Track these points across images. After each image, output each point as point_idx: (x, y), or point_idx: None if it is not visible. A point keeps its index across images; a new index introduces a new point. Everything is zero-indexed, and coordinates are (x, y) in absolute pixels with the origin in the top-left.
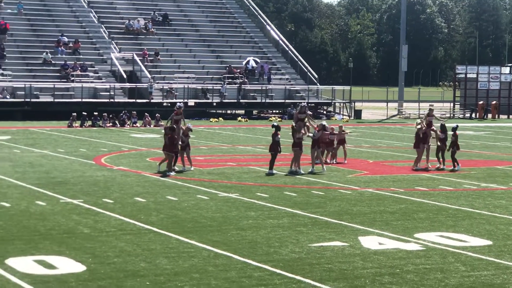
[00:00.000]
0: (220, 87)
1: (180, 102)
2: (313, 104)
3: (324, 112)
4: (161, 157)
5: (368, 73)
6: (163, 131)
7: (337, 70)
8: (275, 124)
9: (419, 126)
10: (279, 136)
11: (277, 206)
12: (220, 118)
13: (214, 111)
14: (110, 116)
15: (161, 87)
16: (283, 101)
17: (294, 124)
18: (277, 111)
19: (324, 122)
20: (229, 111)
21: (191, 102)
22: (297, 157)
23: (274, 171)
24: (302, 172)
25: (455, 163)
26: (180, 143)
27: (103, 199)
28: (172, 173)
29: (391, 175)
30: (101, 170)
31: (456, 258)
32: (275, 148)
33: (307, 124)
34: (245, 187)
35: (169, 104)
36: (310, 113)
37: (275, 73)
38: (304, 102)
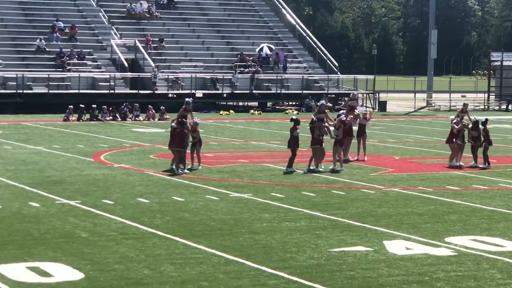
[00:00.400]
0: (231, 77)
1: (189, 98)
2: (333, 95)
3: (344, 103)
4: (167, 154)
5: (393, 61)
6: (173, 124)
7: (359, 57)
8: (294, 117)
9: (455, 122)
10: (298, 130)
11: (294, 208)
12: (231, 111)
13: (225, 103)
14: (110, 108)
15: (166, 76)
16: (300, 92)
17: (314, 117)
18: (294, 103)
19: (342, 116)
20: (240, 103)
21: (199, 93)
22: (318, 156)
23: (294, 169)
24: (322, 168)
25: (487, 161)
26: (190, 139)
27: (102, 200)
28: (185, 171)
29: (419, 173)
30: (101, 168)
31: (491, 264)
32: (294, 143)
33: (327, 124)
34: (258, 186)
35: (174, 96)
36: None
37: (291, 61)
38: (323, 100)
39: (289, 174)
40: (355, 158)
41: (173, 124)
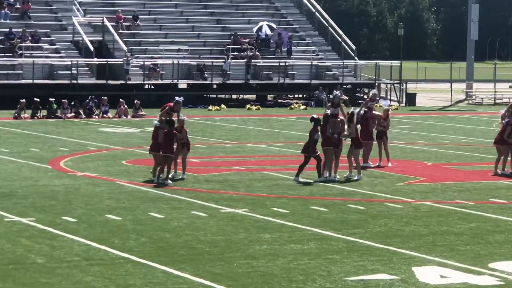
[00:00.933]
0: (223, 63)
1: (180, 97)
2: (349, 86)
3: (365, 97)
4: (143, 159)
5: (424, 43)
6: (156, 122)
7: (382, 39)
8: (315, 116)
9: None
10: (318, 133)
11: (301, 226)
12: (223, 106)
13: (215, 95)
14: (72, 103)
15: (142, 63)
16: (309, 81)
17: (328, 111)
18: (301, 96)
19: (352, 109)
20: (234, 96)
21: (183, 84)
22: (330, 160)
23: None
24: (338, 177)
25: None
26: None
27: (63, 217)
28: (168, 182)
29: (457, 182)
30: (60, 178)
31: None
32: (313, 149)
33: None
34: (257, 200)
35: (152, 87)
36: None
37: (297, 44)
38: (338, 91)
39: (297, 185)
40: (376, 164)
41: (156, 122)
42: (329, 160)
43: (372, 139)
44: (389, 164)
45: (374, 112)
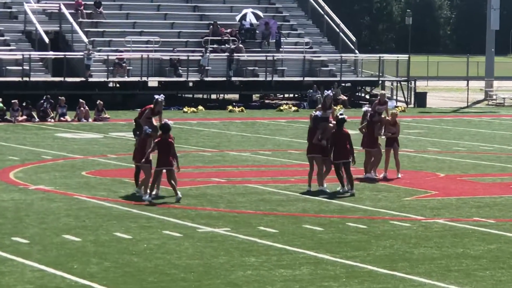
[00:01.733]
0: (200, 58)
1: (160, 95)
2: (349, 84)
3: (367, 97)
4: (106, 170)
5: (437, 34)
6: (147, 128)
7: (387, 29)
8: (342, 115)
9: None
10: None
11: (292, 248)
12: (200, 107)
13: (191, 95)
14: (24, 104)
15: (105, 57)
16: (301, 79)
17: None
18: (292, 95)
19: (341, 113)
20: (214, 96)
21: (153, 82)
22: (319, 168)
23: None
24: (327, 189)
25: None
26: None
27: (12, 238)
28: (149, 197)
29: (474, 196)
30: (10, 192)
31: None
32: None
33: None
34: (240, 217)
35: (117, 85)
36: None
37: (287, 35)
38: (330, 91)
39: (287, 201)
40: (381, 176)
41: (146, 128)
42: (319, 169)
43: (376, 147)
44: (399, 176)
45: (382, 116)
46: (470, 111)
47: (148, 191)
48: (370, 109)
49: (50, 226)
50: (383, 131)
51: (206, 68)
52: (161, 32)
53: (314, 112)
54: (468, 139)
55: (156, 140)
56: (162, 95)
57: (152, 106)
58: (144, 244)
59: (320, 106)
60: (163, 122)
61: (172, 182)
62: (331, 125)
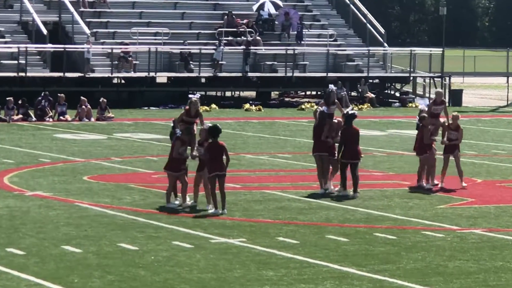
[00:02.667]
0: (214, 51)
1: (195, 94)
2: (377, 81)
3: (397, 95)
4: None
5: (474, 26)
6: (178, 131)
7: (419, 20)
8: (352, 111)
9: None
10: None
11: (314, 261)
12: (214, 106)
13: (203, 92)
14: (20, 102)
15: (109, 50)
16: (324, 74)
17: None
18: (314, 93)
19: (351, 108)
20: (229, 93)
21: (162, 77)
22: (326, 168)
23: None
24: (334, 191)
25: None
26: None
27: (7, 249)
28: (215, 210)
29: None
30: (4, 198)
31: None
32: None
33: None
34: (257, 226)
35: (122, 82)
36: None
37: (310, 26)
38: (332, 85)
39: (308, 209)
40: (439, 184)
41: (178, 131)
42: (326, 168)
43: (425, 153)
44: (463, 184)
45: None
46: (510, 110)
47: (211, 202)
48: (426, 108)
49: (48, 236)
50: (436, 137)
51: (220, 62)
52: (170, 23)
53: (319, 108)
54: (508, 141)
55: (207, 145)
56: (197, 93)
57: (187, 107)
58: (151, 256)
59: (322, 101)
60: (210, 125)
61: (215, 190)
62: (335, 121)
